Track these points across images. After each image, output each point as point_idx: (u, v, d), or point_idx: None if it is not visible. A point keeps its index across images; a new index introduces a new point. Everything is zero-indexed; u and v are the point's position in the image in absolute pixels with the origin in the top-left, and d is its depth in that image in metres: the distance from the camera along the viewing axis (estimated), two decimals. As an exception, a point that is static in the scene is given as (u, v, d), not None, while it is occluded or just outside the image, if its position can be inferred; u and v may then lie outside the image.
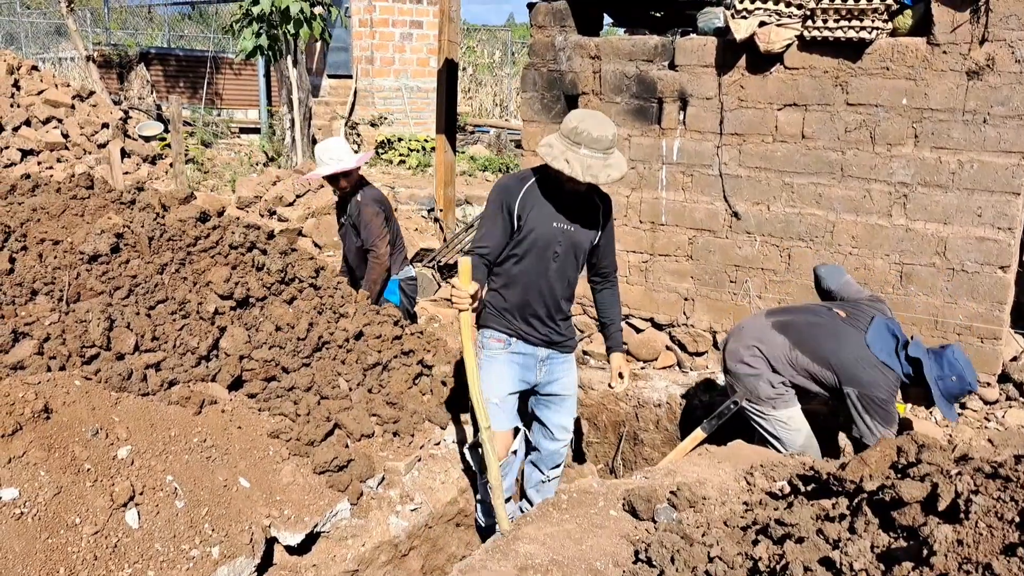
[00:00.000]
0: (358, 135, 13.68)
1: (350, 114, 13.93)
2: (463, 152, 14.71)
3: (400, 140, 13.86)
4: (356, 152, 5.35)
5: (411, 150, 13.65)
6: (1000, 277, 4.43)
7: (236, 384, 3.47)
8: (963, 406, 4.50)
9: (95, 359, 3.24)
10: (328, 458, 3.23)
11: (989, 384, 4.63)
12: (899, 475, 2.47)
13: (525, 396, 3.66)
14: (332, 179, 4.81)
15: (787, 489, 3.21)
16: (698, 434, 3.85)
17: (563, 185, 3.15)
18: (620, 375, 3.62)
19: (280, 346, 3.63)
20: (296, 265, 3.92)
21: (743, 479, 3.50)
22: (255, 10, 8.41)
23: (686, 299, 5.42)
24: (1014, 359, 4.82)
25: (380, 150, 13.71)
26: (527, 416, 3.75)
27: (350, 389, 3.70)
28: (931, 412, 4.55)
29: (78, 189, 3.97)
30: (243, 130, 14.64)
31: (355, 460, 3.31)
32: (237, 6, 9.83)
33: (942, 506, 1.90)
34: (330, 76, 14.45)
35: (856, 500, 2.38)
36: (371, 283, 4.58)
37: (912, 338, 3.62)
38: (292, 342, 3.66)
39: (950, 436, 4.36)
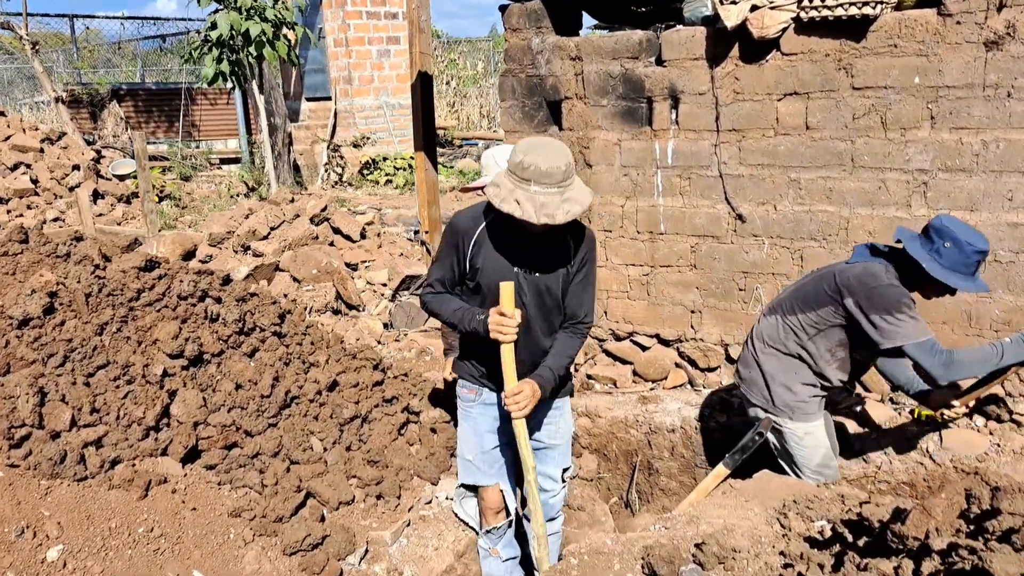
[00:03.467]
0: (341, 157, 13.29)
1: (332, 136, 13.54)
2: (451, 167, 14.33)
3: (385, 159, 13.46)
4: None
5: (397, 169, 13.25)
6: (1038, 265, 4.01)
7: (191, 455, 3.05)
8: (996, 402, 4.05)
9: (25, 440, 2.82)
10: (299, 536, 2.81)
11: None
12: (972, 527, 2.06)
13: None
14: None
15: (827, 532, 2.79)
16: (720, 471, 3.44)
17: (520, 224, 2.65)
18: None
19: (241, 407, 3.21)
20: (256, 312, 3.50)
21: (776, 521, 3.08)
22: (213, 35, 8.03)
23: (693, 311, 5.00)
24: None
25: (365, 171, 13.32)
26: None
27: (325, 449, 3.27)
28: (972, 420, 4.12)
29: (10, 244, 3.56)
30: (224, 160, 14.25)
31: (331, 535, 2.89)
32: (195, 32, 9.48)
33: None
34: (308, 99, 14.06)
35: (921, 564, 1.96)
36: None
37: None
38: (255, 401, 3.24)
39: (997, 444, 3.94)
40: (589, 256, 2.86)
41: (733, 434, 4.44)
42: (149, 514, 2.71)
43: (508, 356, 2.69)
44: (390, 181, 13.05)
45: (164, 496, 2.81)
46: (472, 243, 2.80)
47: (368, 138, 13.47)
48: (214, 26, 8.00)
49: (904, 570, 1.99)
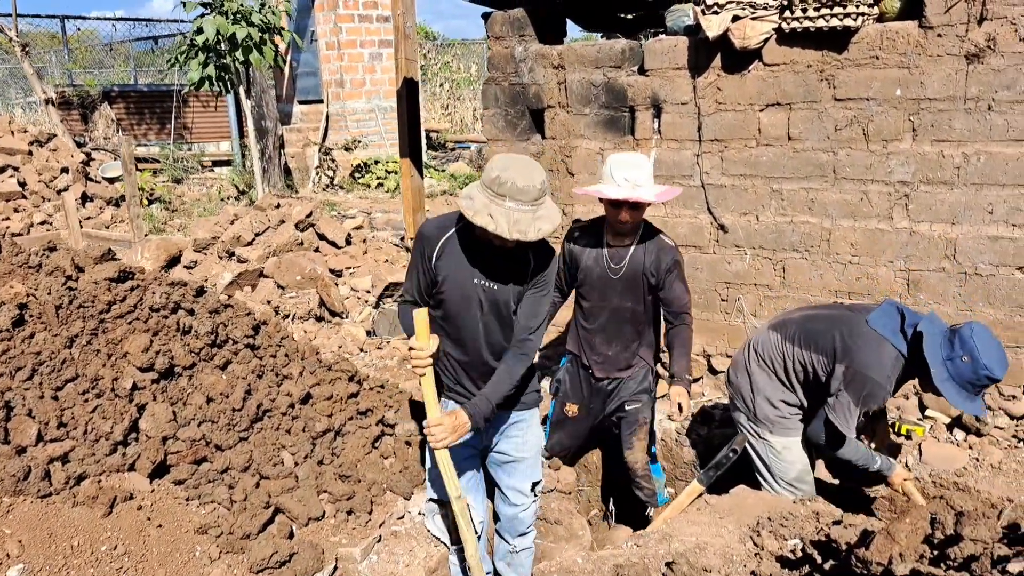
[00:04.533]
0: (332, 160, 13.24)
1: (323, 139, 13.48)
2: (443, 171, 14.29)
3: (376, 163, 13.41)
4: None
5: (388, 172, 13.20)
6: (1019, 279, 4.00)
7: (160, 471, 3.02)
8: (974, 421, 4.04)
9: (-10, 456, 2.79)
10: (267, 554, 2.78)
11: (1015, 397, 4.19)
12: (936, 553, 2.03)
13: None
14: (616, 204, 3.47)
15: (799, 552, 2.77)
16: (695, 487, 3.41)
17: (489, 238, 2.66)
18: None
19: (212, 420, 3.18)
20: (230, 324, 3.47)
21: (749, 539, 3.05)
22: (199, 40, 7.98)
23: (675, 322, 4.97)
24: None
25: (356, 174, 13.27)
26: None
27: (296, 464, 3.24)
28: (951, 433, 4.10)
29: (-18, 255, 3.53)
30: (216, 163, 14.19)
31: (299, 552, 2.86)
32: (182, 37, 9.43)
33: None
34: (300, 102, 14.01)
35: (886, 590, 1.94)
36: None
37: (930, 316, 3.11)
38: (226, 414, 3.21)
39: (976, 458, 3.92)
40: (548, 275, 2.85)
41: (713, 447, 4.42)
42: (113, 531, 2.68)
43: (426, 386, 2.74)
44: (381, 184, 13.01)
45: (129, 513, 2.77)
46: (436, 251, 2.82)
47: (360, 141, 13.42)
48: (200, 30, 7.95)
49: (867, 597, 1.97)
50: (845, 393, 3.10)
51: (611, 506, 4.47)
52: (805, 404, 3.38)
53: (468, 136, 17.74)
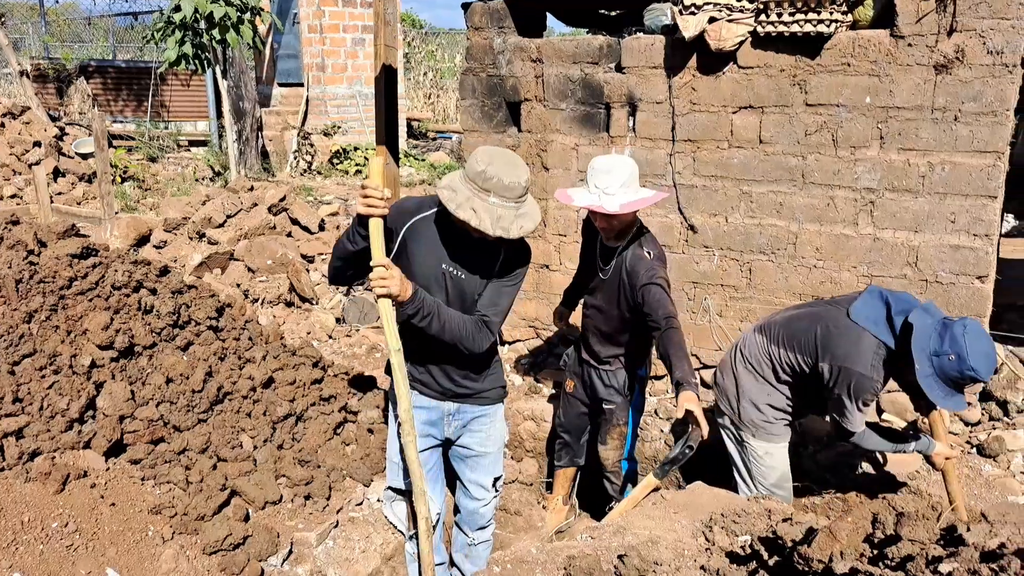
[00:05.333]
0: (311, 145, 13.15)
1: (302, 124, 13.38)
2: (423, 160, 14.25)
3: (356, 149, 13.34)
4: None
5: (367, 159, 13.15)
6: (978, 288, 4.08)
7: (116, 449, 3.00)
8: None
9: (-58, 430, 2.76)
10: (220, 536, 2.78)
11: (970, 404, 4.27)
12: (875, 552, 2.08)
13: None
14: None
15: (748, 549, 2.81)
16: (650, 481, 3.45)
17: (467, 229, 2.65)
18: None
19: (171, 401, 3.17)
20: (193, 305, 3.45)
21: (701, 534, 3.10)
22: (176, 17, 7.88)
23: (643, 319, 5.01)
24: (995, 372, 4.47)
25: (335, 160, 13.20)
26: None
27: (255, 447, 3.24)
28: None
29: (-58, 227, 3.48)
30: (193, 143, 14.03)
31: (254, 535, 2.86)
32: (161, 13, 9.31)
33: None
34: (281, 84, 13.89)
35: (825, 587, 1.98)
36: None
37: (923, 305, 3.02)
38: (186, 396, 3.20)
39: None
40: (518, 273, 2.85)
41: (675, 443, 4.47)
42: (65, 508, 2.66)
43: (375, 229, 2.59)
44: (360, 171, 12.95)
45: (82, 490, 2.76)
46: (408, 227, 2.80)
47: (339, 127, 13.35)
48: (178, 8, 7.85)
49: (806, 593, 2.01)
50: (835, 391, 3.11)
51: (573, 498, 4.51)
52: (792, 407, 3.40)
53: (450, 127, 17.67)
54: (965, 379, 2.83)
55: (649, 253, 3.45)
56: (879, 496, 3.13)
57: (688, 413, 3.05)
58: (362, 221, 2.64)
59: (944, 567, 1.64)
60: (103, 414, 3.01)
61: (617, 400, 3.80)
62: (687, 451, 3.41)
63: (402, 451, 2.83)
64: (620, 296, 3.53)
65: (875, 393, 3.09)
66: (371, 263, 2.60)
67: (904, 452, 3.26)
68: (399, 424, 2.79)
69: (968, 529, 1.84)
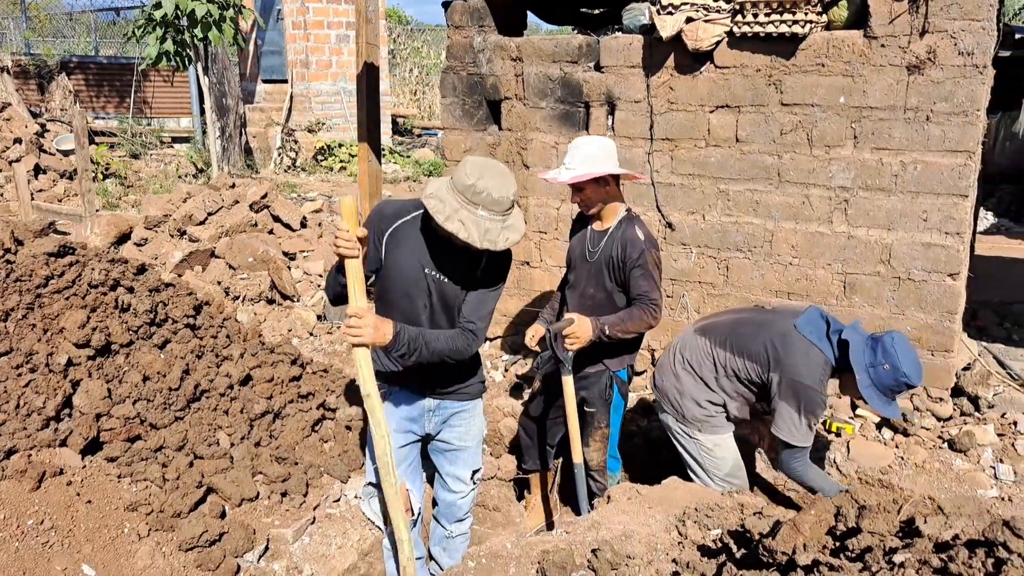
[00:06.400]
0: (295, 142, 13.12)
1: (286, 120, 13.36)
2: (408, 156, 14.25)
3: (340, 146, 13.33)
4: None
5: (352, 156, 13.12)
6: (949, 285, 4.14)
7: (92, 447, 3.01)
8: (905, 419, 4.18)
9: (-83, 429, 2.77)
10: (196, 532, 2.80)
11: (942, 400, 4.34)
12: (837, 544, 2.13)
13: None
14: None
15: (719, 542, 2.86)
16: (569, 389, 3.55)
17: (453, 238, 2.67)
18: None
19: (148, 399, 3.18)
20: (170, 303, 3.46)
21: (675, 528, 3.14)
22: (157, 15, 7.85)
23: (622, 316, 5.05)
24: (967, 368, 4.54)
25: (319, 157, 13.18)
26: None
27: (232, 444, 3.25)
28: (880, 432, 4.24)
29: (-82, 224, 3.47)
30: (176, 139, 13.97)
31: (230, 532, 2.88)
32: (140, 11, 9.27)
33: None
34: (265, 81, 13.87)
35: (788, 578, 2.02)
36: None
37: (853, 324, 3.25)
38: (162, 393, 3.21)
39: (902, 457, 4.06)
40: (500, 277, 2.89)
41: (652, 439, 4.52)
42: (41, 506, 2.67)
43: (353, 272, 2.57)
44: (344, 168, 12.94)
45: (58, 488, 2.77)
46: (390, 232, 2.82)
47: (324, 124, 13.33)
48: (159, 5, 7.82)
49: (770, 584, 2.05)
50: (784, 404, 3.19)
51: (553, 493, 4.54)
52: (728, 404, 3.47)
53: (435, 123, 17.68)
54: (900, 386, 3.04)
55: (641, 233, 3.54)
56: (844, 490, 3.18)
57: (568, 324, 3.41)
58: (341, 263, 2.66)
59: (898, 557, 1.68)
60: (79, 412, 3.02)
61: (597, 404, 3.83)
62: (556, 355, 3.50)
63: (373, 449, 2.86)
64: (607, 275, 3.59)
65: (824, 407, 3.23)
66: (347, 311, 2.60)
67: (825, 491, 3.27)
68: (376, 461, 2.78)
69: (925, 521, 1.89)
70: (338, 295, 2.85)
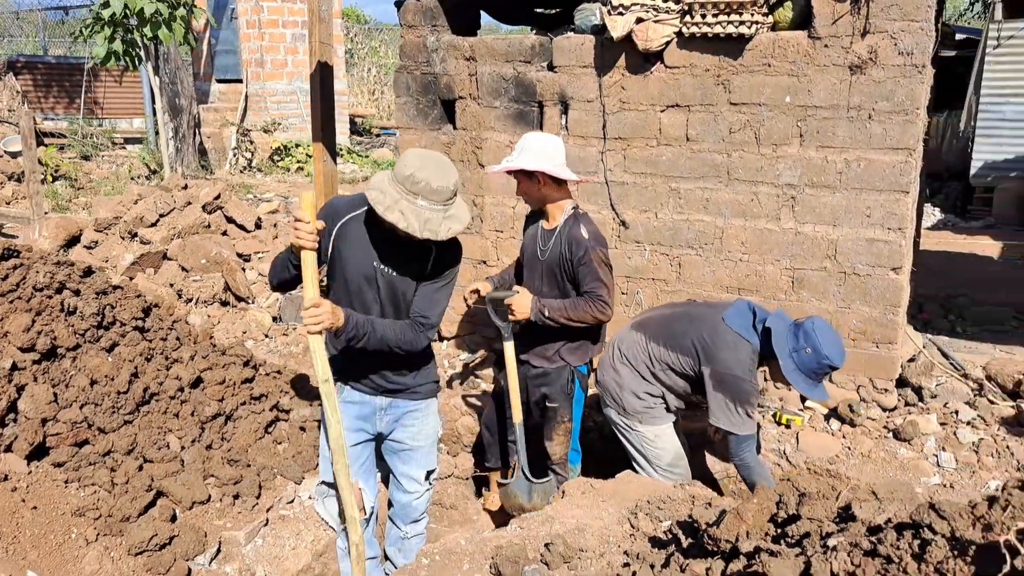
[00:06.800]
0: (251, 142, 12.97)
1: (242, 120, 13.20)
2: (366, 156, 14.18)
3: (297, 146, 13.20)
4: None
5: (309, 156, 13.02)
6: (892, 279, 4.25)
7: (38, 453, 2.96)
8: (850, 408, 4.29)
9: None
10: (146, 536, 2.77)
11: (887, 390, 4.46)
12: (778, 530, 2.19)
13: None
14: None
15: (669, 534, 2.91)
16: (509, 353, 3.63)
17: (395, 229, 2.69)
18: None
19: (95, 403, 3.13)
20: (118, 306, 3.41)
21: (627, 521, 3.19)
22: (105, 13, 7.71)
23: (577, 313, 5.10)
24: (911, 360, 4.67)
25: (276, 157, 13.04)
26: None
27: (183, 447, 3.22)
28: (828, 423, 4.35)
29: None
30: (129, 140, 13.71)
31: (180, 535, 2.85)
32: (88, 10, 9.09)
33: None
34: (219, 80, 13.68)
35: (729, 565, 2.07)
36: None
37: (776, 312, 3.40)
38: (111, 397, 3.17)
39: (848, 447, 4.17)
40: (451, 271, 2.91)
41: (607, 434, 4.57)
42: (-17, 514, 2.63)
43: (307, 264, 2.60)
44: (301, 168, 12.83)
45: (3, 494, 2.72)
46: (339, 227, 2.83)
47: (279, 124, 13.19)
48: (107, 3, 7.68)
49: (714, 571, 2.10)
50: (718, 395, 3.32)
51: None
52: (666, 395, 3.56)
53: (394, 123, 17.57)
54: (823, 368, 3.17)
55: (586, 232, 3.60)
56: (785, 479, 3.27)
57: (510, 295, 3.58)
58: (295, 251, 2.66)
59: (832, 541, 1.74)
60: (24, 417, 2.97)
61: (559, 399, 3.87)
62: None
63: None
64: (560, 272, 3.67)
65: (756, 394, 3.36)
66: (303, 304, 2.61)
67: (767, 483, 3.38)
68: (330, 446, 2.79)
69: (860, 507, 1.96)
70: (284, 281, 2.86)
